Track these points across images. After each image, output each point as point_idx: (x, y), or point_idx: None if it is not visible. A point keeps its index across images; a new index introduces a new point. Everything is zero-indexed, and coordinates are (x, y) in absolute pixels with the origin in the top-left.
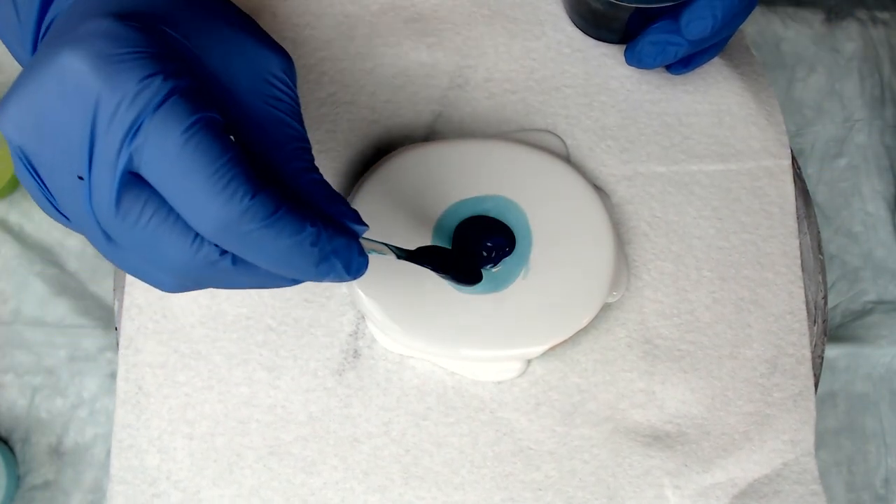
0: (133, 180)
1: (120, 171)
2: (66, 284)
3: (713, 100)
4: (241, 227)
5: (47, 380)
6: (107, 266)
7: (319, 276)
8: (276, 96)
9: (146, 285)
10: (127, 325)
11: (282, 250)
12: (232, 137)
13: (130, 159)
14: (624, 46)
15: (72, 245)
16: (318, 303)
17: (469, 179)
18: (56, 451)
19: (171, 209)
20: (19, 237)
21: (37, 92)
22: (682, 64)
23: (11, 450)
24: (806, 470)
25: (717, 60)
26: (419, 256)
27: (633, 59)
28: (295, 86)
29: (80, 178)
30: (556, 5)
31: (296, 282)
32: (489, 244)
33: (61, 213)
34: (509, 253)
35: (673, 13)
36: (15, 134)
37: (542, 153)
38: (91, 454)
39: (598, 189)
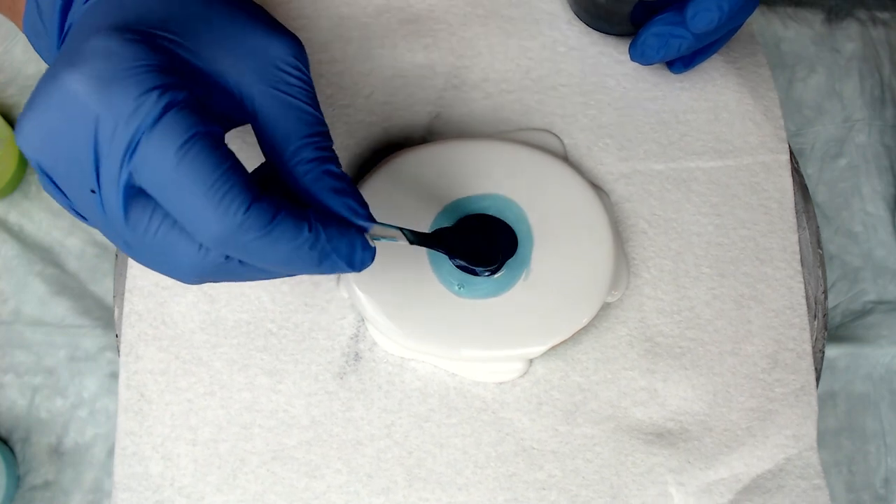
0: (139, 193)
1: (122, 188)
2: (66, 284)
3: (710, 96)
4: (238, 239)
5: (47, 380)
6: (107, 266)
7: (323, 272)
8: (286, 82)
9: (146, 292)
10: (127, 332)
11: (281, 255)
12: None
13: (131, 176)
14: (623, 42)
15: (72, 245)
16: (318, 307)
17: (467, 180)
18: (56, 451)
19: (176, 219)
20: (19, 237)
21: (45, 113)
22: (684, 62)
23: (11, 450)
24: (809, 464)
25: (713, 57)
26: (433, 240)
27: (636, 53)
28: (307, 69)
29: (93, 191)
30: (552, 4)
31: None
32: (495, 248)
33: (83, 218)
34: (512, 255)
35: (677, 5)
36: (31, 151)
37: (539, 153)
38: (91, 454)
39: (597, 188)
